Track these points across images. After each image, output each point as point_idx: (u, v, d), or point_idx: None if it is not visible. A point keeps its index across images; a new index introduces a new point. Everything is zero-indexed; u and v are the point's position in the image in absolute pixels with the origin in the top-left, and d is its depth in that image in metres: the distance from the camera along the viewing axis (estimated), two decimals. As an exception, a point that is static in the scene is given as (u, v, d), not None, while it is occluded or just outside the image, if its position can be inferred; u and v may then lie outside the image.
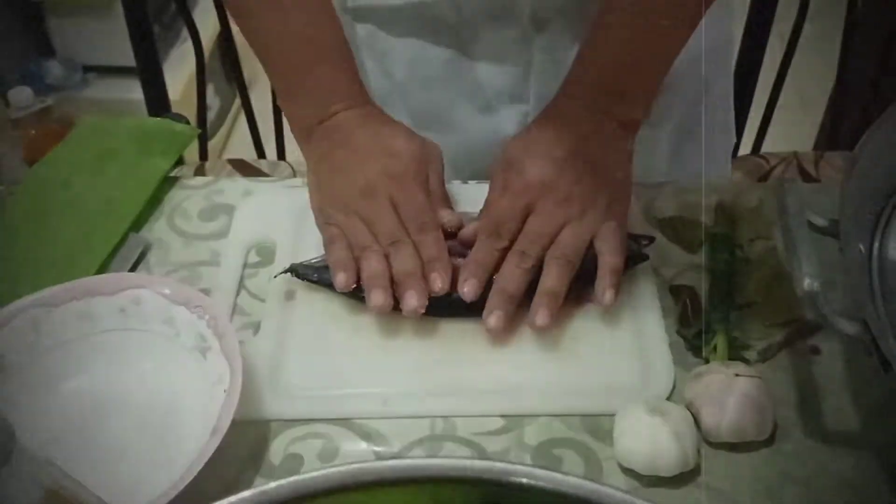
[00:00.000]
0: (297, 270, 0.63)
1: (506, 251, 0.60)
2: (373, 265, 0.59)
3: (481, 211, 0.64)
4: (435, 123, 0.77)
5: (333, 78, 0.67)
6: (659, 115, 0.75)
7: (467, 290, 0.59)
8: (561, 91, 0.67)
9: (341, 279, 0.60)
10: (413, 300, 0.58)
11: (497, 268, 0.60)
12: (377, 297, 0.59)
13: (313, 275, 0.63)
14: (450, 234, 0.63)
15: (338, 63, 0.67)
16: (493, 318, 0.58)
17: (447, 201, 0.66)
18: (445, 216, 0.63)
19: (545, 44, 0.73)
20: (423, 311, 0.58)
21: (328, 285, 0.61)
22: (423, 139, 0.66)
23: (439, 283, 0.59)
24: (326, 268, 0.62)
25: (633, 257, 0.62)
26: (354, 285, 0.60)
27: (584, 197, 0.61)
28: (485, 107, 0.77)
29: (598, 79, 0.65)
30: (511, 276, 0.59)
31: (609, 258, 0.60)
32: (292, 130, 0.69)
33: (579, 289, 0.61)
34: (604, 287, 0.59)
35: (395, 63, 0.76)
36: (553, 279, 0.59)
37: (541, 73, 0.74)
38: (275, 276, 0.63)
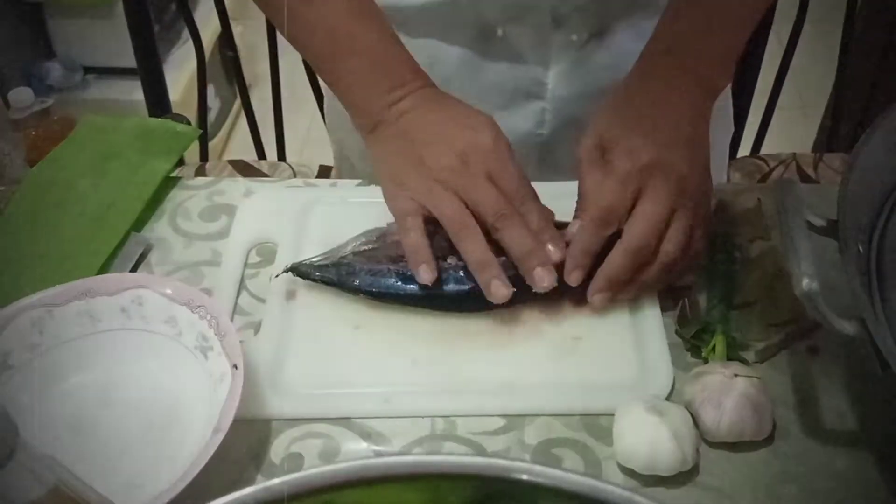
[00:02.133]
0: (298, 269, 0.63)
1: (614, 236, 0.59)
2: (478, 253, 0.57)
3: (579, 197, 0.61)
4: None
5: (396, 61, 0.64)
6: None
7: (574, 278, 0.58)
8: (643, 58, 0.64)
9: (425, 275, 0.58)
10: (545, 278, 0.57)
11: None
12: (498, 289, 0.57)
13: (315, 273, 0.62)
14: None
15: (396, 46, 0.65)
16: (598, 298, 0.59)
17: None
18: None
19: (564, 40, 0.72)
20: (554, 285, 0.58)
21: (330, 283, 0.62)
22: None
23: (557, 255, 0.58)
24: (328, 266, 0.62)
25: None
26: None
27: (693, 180, 0.59)
28: (501, 105, 0.76)
29: (681, 41, 0.63)
30: (621, 268, 0.58)
31: (668, 255, 0.58)
32: (356, 124, 0.66)
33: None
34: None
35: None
36: (653, 277, 0.59)
37: (559, 70, 0.74)
38: (276, 276, 0.63)
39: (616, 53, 0.72)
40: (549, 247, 0.58)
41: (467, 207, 0.58)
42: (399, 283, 0.61)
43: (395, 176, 0.62)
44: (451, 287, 0.60)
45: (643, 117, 0.60)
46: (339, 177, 0.93)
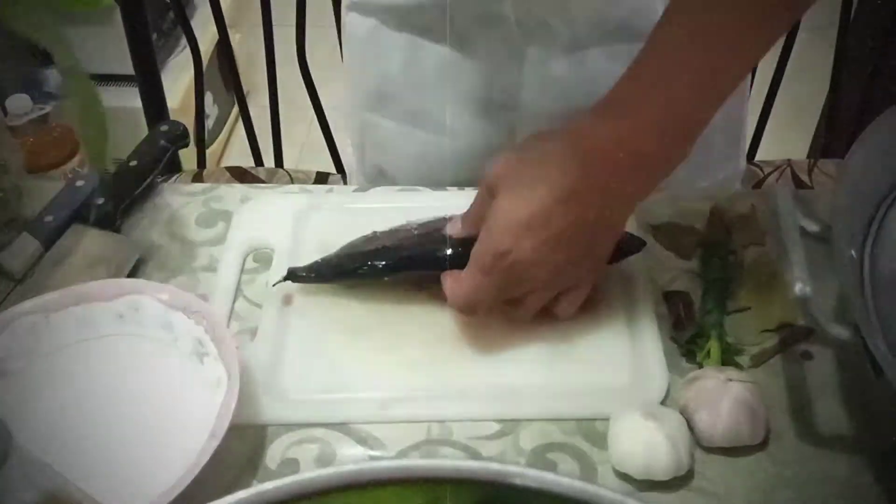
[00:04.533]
0: (294, 274, 0.64)
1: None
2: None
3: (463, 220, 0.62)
4: (427, 124, 0.78)
5: None
6: None
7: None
8: (591, 109, 0.56)
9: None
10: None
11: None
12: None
13: (310, 274, 0.63)
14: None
15: None
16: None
17: None
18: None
19: (537, 57, 0.72)
20: None
21: (327, 279, 0.64)
22: None
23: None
24: (321, 263, 0.64)
25: (630, 246, 0.63)
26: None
27: (572, 273, 0.59)
28: (474, 113, 0.77)
29: (628, 96, 0.55)
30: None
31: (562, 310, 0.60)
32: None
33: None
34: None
35: (392, 61, 0.76)
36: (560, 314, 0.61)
37: (531, 85, 0.74)
38: (273, 286, 0.64)
39: (589, 72, 0.71)
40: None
41: None
42: (377, 260, 0.63)
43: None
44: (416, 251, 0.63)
45: (541, 178, 0.55)
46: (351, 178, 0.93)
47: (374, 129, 0.82)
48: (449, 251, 0.61)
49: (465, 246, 0.59)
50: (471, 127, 0.78)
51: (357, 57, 0.80)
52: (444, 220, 0.64)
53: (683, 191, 0.71)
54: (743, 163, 0.88)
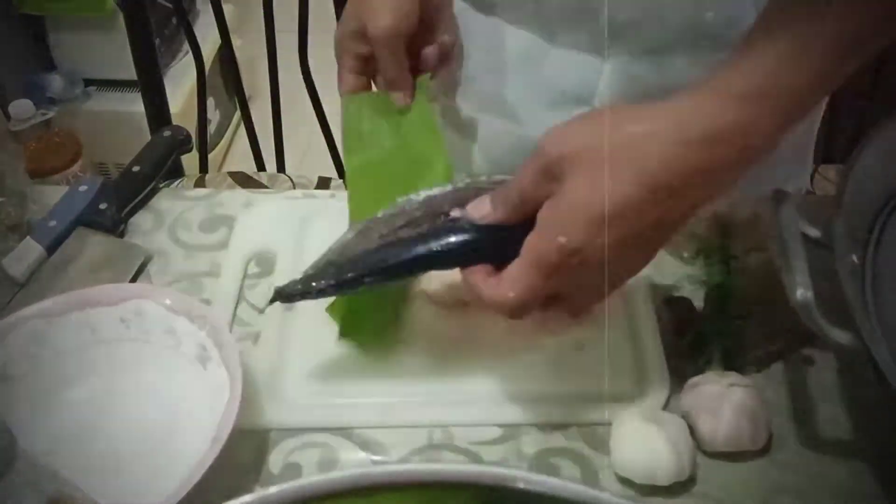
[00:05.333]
0: (282, 293, 0.56)
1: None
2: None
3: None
4: (499, 109, 0.77)
5: None
6: None
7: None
8: (692, 86, 0.48)
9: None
10: None
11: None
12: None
13: (297, 287, 0.55)
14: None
15: None
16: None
17: None
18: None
19: (619, 56, 0.71)
20: None
21: (315, 293, 0.55)
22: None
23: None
24: (309, 278, 0.55)
25: None
26: None
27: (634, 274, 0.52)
28: (550, 104, 0.75)
29: (762, 73, 0.46)
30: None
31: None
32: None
33: None
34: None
35: (475, 43, 0.75)
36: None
37: (609, 82, 0.73)
38: (262, 311, 0.62)
39: (669, 76, 0.69)
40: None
41: None
42: (412, 248, 0.53)
43: None
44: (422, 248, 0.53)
45: (625, 169, 0.46)
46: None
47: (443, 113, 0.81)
48: (471, 241, 0.51)
49: (499, 236, 0.50)
50: (540, 117, 0.75)
51: None
52: (451, 194, 0.54)
53: (748, 192, 0.69)
54: (810, 166, 0.86)
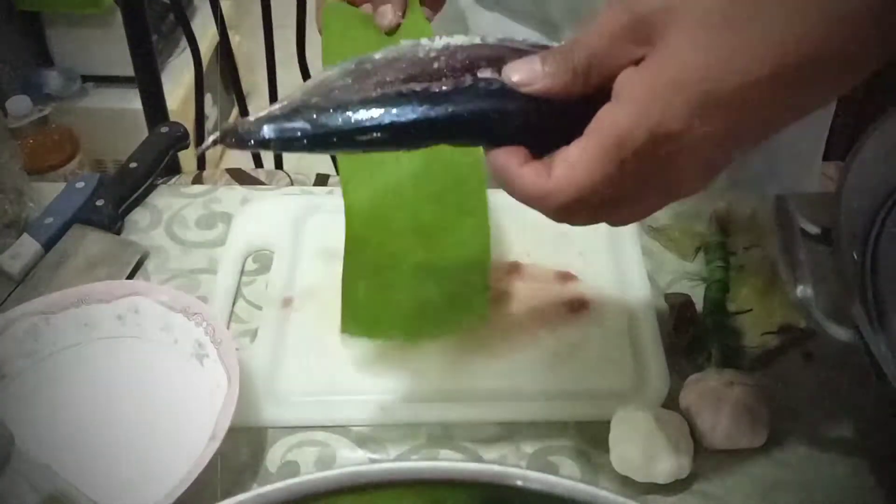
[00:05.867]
0: (232, 133, 0.39)
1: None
2: None
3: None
4: None
5: None
6: None
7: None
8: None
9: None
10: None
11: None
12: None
13: (254, 128, 0.38)
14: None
15: None
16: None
17: None
18: None
19: None
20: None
21: (280, 141, 0.39)
22: None
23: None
24: (284, 116, 0.38)
25: None
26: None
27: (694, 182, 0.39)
28: None
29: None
30: None
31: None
32: None
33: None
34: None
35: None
36: None
37: None
38: (202, 149, 0.40)
39: None
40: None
41: None
42: (419, 107, 0.38)
43: None
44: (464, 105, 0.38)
45: (758, 41, 0.35)
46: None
47: None
48: (509, 112, 0.38)
49: (546, 110, 0.38)
50: None
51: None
52: (480, 49, 0.39)
53: (762, 189, 0.68)
54: (819, 158, 0.84)
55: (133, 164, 0.75)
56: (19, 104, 1.54)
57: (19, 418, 0.55)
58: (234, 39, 1.15)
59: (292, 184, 1.00)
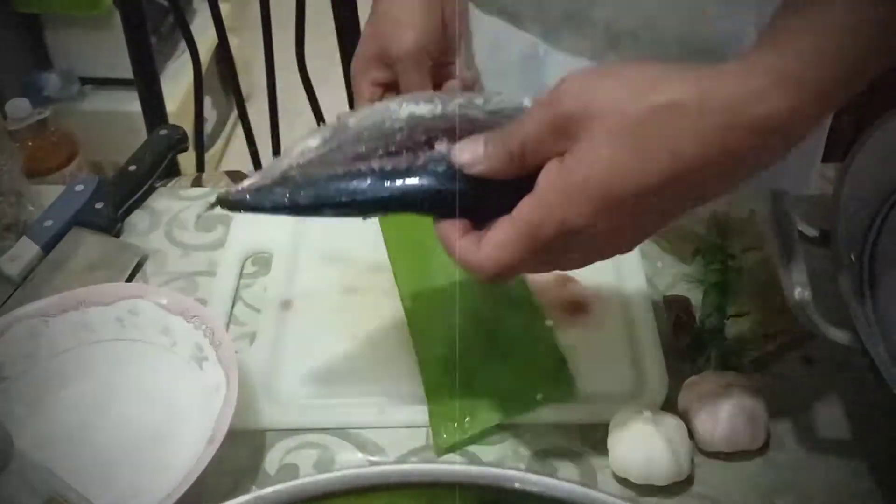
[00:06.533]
0: (227, 200, 0.47)
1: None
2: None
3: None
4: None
5: None
6: None
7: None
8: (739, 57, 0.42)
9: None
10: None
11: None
12: None
13: (246, 197, 0.47)
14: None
15: None
16: None
17: None
18: None
19: (619, 61, 0.70)
20: None
21: (278, 209, 0.47)
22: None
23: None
24: (269, 187, 0.47)
25: None
26: None
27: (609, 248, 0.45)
28: None
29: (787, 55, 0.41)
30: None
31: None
32: None
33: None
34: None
35: (478, 45, 0.75)
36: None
37: None
38: (205, 211, 0.49)
39: None
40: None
41: None
42: (379, 182, 0.45)
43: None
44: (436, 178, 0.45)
45: (657, 148, 0.40)
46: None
47: None
48: (453, 190, 0.44)
49: (486, 188, 0.44)
50: None
51: None
52: (439, 119, 0.46)
53: (756, 191, 0.69)
54: (818, 160, 0.85)
55: (132, 167, 0.75)
56: (18, 107, 1.54)
57: (19, 420, 0.55)
58: (233, 42, 1.15)
59: (291, 186, 1.00)
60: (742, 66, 0.41)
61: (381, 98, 0.61)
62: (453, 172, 0.44)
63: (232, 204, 0.47)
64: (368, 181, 0.45)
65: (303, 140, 0.47)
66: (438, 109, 0.46)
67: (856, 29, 0.41)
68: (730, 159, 0.41)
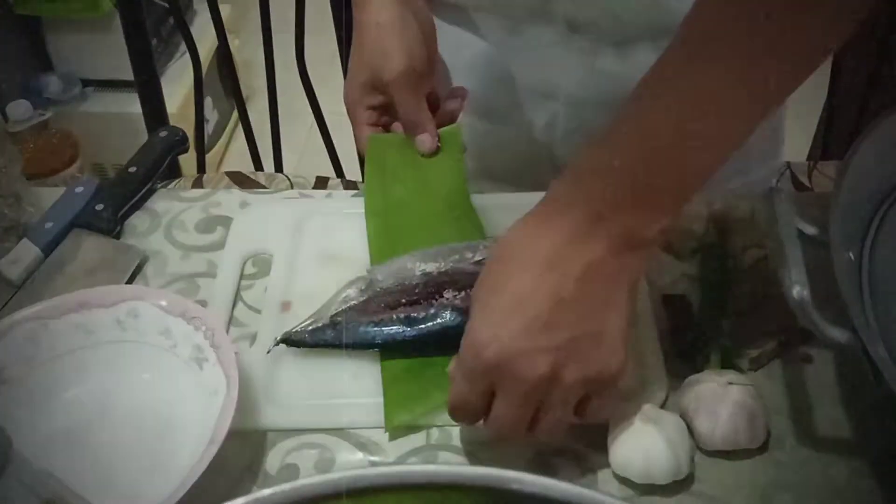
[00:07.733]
0: (290, 339, 0.60)
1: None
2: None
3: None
4: (478, 110, 0.78)
5: None
6: None
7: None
8: (561, 177, 0.51)
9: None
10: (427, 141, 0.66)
11: None
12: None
13: (309, 339, 0.60)
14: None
15: None
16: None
17: None
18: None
19: (584, 50, 0.72)
20: None
21: (328, 345, 0.60)
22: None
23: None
24: (322, 328, 0.60)
25: None
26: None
27: (561, 371, 0.49)
28: (517, 101, 0.77)
29: (616, 171, 0.48)
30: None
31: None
32: None
33: None
34: None
35: (443, 46, 0.75)
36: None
37: (574, 74, 0.74)
38: (268, 352, 0.60)
39: (634, 66, 0.68)
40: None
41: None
42: (404, 328, 0.59)
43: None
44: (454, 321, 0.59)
45: (505, 286, 0.50)
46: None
47: None
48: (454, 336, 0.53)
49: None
50: (511, 114, 0.78)
51: None
52: (445, 275, 0.60)
53: (719, 190, 0.69)
54: (782, 158, 0.87)
55: (132, 169, 0.75)
56: (19, 109, 1.55)
57: (18, 423, 0.55)
58: (234, 43, 1.15)
59: (292, 187, 1.00)
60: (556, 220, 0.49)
61: (377, 121, 0.70)
62: (456, 316, 0.59)
63: (294, 342, 0.60)
64: (398, 327, 0.59)
65: (344, 290, 0.62)
66: (442, 266, 0.61)
67: (647, 158, 0.48)
68: (585, 299, 0.49)
